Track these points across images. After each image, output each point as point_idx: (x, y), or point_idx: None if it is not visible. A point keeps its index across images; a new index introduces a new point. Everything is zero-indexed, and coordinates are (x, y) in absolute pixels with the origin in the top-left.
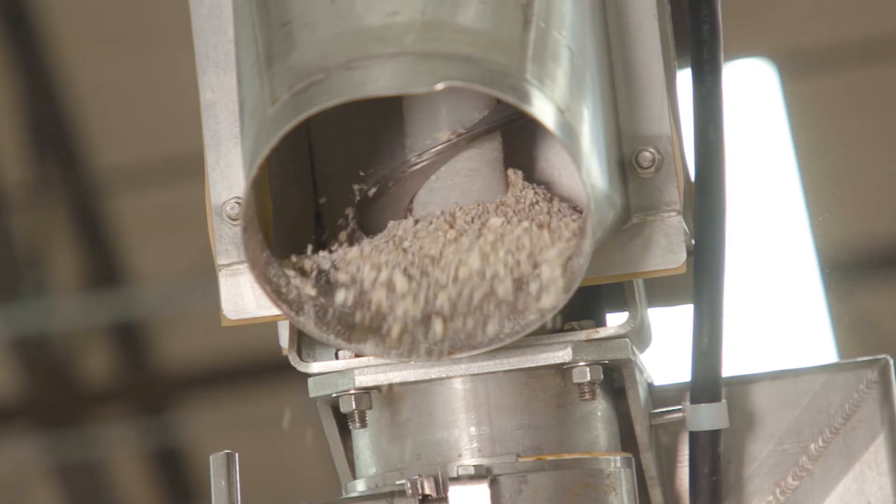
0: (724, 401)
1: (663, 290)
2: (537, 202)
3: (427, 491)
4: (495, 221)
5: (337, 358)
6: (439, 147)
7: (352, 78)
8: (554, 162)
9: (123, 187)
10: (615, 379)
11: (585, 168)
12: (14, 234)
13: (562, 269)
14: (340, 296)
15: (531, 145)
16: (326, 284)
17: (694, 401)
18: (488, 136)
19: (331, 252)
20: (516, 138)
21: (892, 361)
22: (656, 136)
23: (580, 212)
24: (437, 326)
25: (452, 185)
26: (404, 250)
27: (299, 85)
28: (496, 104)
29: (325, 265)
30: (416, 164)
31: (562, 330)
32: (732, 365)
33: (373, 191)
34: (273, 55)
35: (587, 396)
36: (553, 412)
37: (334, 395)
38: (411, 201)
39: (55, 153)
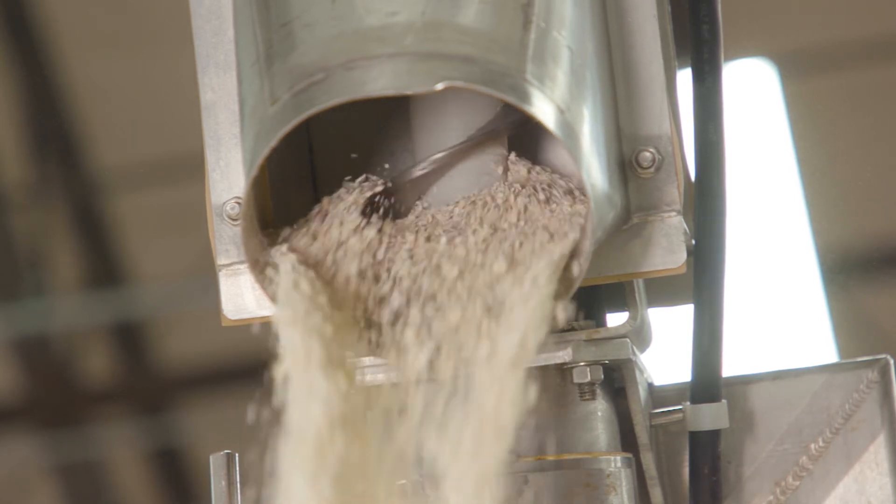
0: (724, 401)
1: (663, 290)
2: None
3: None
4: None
5: None
6: (442, 155)
7: (352, 78)
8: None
9: (123, 187)
10: (615, 379)
11: (585, 168)
12: (14, 234)
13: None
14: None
15: (534, 139)
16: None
17: (694, 401)
18: (494, 141)
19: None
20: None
21: (892, 361)
22: (656, 136)
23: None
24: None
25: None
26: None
27: (299, 85)
28: (502, 108)
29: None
30: (420, 171)
31: (562, 330)
32: (732, 365)
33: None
34: (273, 55)
35: (587, 396)
36: (553, 412)
37: None
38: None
39: (55, 153)
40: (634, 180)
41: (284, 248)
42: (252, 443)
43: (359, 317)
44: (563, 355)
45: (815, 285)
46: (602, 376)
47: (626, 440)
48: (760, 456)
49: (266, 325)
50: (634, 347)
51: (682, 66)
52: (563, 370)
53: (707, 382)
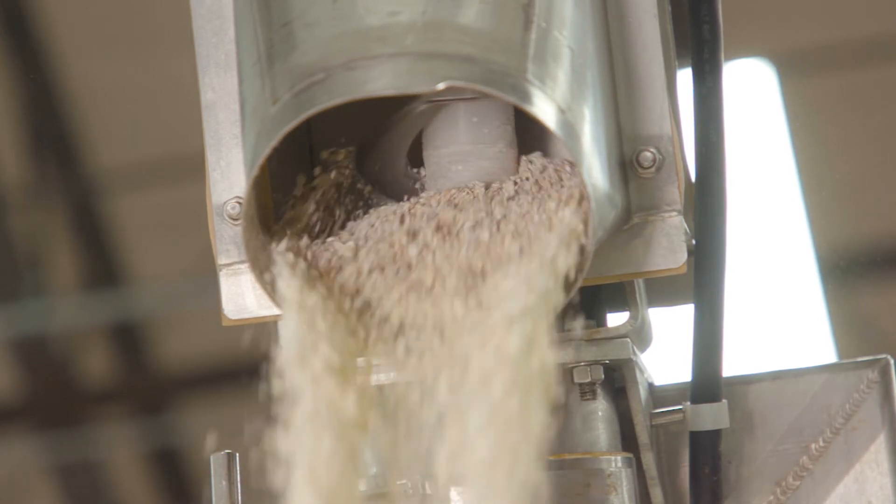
0: (724, 401)
1: (664, 290)
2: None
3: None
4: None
5: None
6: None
7: (352, 78)
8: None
9: (123, 187)
10: (616, 379)
11: (587, 168)
12: (14, 234)
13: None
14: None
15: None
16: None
17: (694, 401)
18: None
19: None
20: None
21: (892, 361)
22: (657, 136)
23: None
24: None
25: (459, 168)
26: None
27: (300, 85)
28: None
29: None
30: (413, 110)
31: (562, 330)
32: (732, 365)
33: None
34: (274, 55)
35: (588, 396)
36: (554, 412)
37: None
38: (411, 148)
39: (55, 153)
40: (635, 180)
41: (282, 245)
42: (252, 442)
43: (362, 312)
44: (564, 355)
45: (814, 285)
46: (602, 376)
47: (627, 440)
48: (761, 456)
49: (264, 324)
50: (635, 347)
51: (682, 66)
52: (563, 370)
53: (707, 382)
